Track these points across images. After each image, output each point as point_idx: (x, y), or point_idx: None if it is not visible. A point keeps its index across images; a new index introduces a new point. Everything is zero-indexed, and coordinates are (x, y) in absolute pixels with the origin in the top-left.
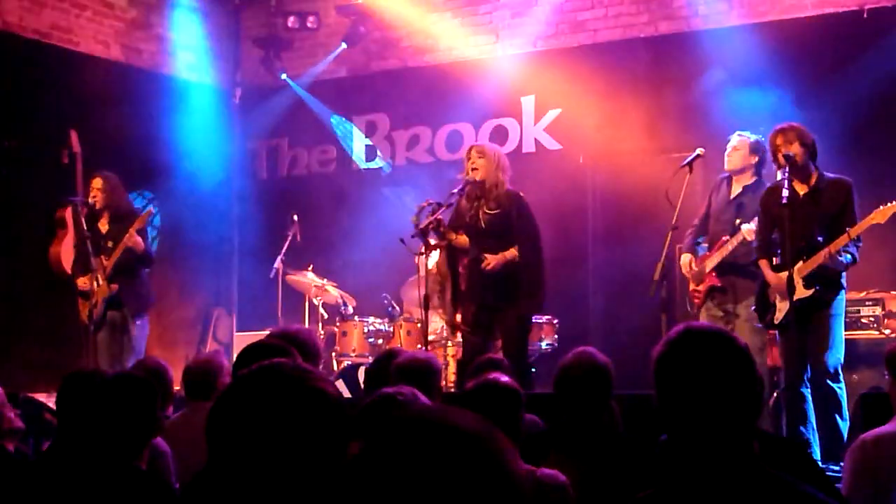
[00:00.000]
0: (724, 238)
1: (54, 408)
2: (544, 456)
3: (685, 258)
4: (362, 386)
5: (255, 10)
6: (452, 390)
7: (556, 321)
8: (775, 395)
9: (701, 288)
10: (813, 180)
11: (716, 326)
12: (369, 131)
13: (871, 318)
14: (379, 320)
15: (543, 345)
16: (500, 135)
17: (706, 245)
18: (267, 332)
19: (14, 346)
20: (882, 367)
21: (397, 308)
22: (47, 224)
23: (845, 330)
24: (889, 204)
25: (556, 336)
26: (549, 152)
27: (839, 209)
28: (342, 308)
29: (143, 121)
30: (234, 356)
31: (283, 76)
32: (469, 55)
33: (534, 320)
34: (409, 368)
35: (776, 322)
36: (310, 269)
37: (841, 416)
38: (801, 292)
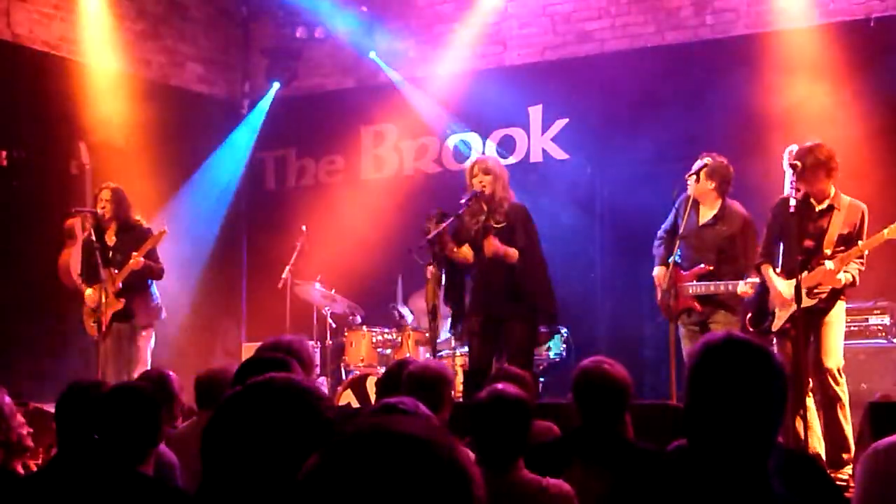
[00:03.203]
0: (702, 266)
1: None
2: (566, 463)
3: (659, 270)
4: (371, 396)
5: (263, 22)
6: (460, 400)
7: (564, 330)
8: None
9: (673, 304)
10: (827, 198)
11: (756, 340)
12: (377, 142)
13: (880, 327)
14: (387, 330)
15: (552, 354)
16: (507, 144)
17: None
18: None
19: (22, 355)
20: (890, 375)
21: (405, 318)
22: (56, 234)
23: (854, 339)
24: None
25: (564, 346)
26: (556, 162)
27: (850, 231)
28: (350, 318)
29: (152, 132)
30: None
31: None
32: (477, 65)
33: (541, 330)
34: (420, 377)
35: (773, 329)
36: (318, 279)
37: (845, 418)
38: (805, 302)
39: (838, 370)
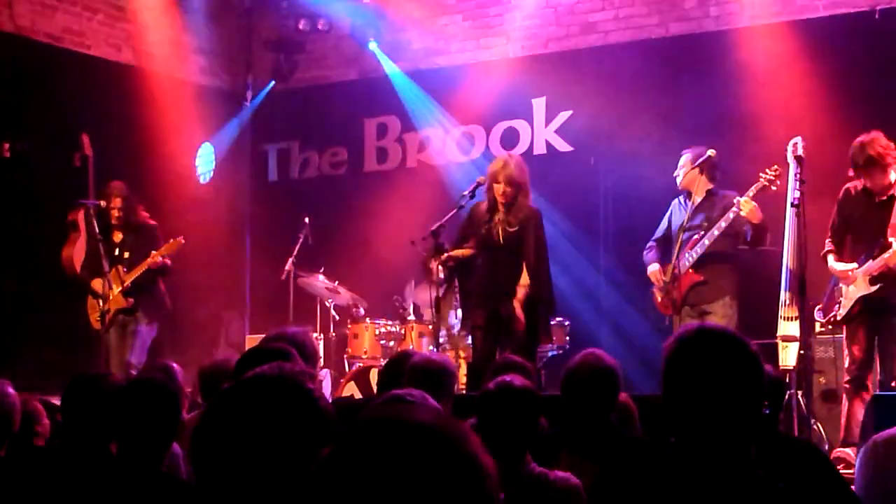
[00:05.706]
0: (696, 236)
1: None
2: (555, 457)
3: (654, 267)
4: (375, 388)
5: (265, 14)
6: (464, 392)
7: (567, 323)
8: (787, 396)
9: (676, 295)
10: (886, 188)
11: (728, 329)
12: (380, 134)
13: None
14: (390, 322)
15: (555, 347)
16: (510, 137)
17: (674, 266)
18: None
19: (27, 347)
20: None
21: (409, 310)
22: (60, 226)
23: None
24: None
25: (567, 338)
26: (560, 154)
27: None
28: (353, 310)
29: (155, 124)
30: None
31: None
32: (480, 57)
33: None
34: (424, 369)
35: (839, 319)
36: (321, 271)
37: None
38: (866, 288)
39: None
